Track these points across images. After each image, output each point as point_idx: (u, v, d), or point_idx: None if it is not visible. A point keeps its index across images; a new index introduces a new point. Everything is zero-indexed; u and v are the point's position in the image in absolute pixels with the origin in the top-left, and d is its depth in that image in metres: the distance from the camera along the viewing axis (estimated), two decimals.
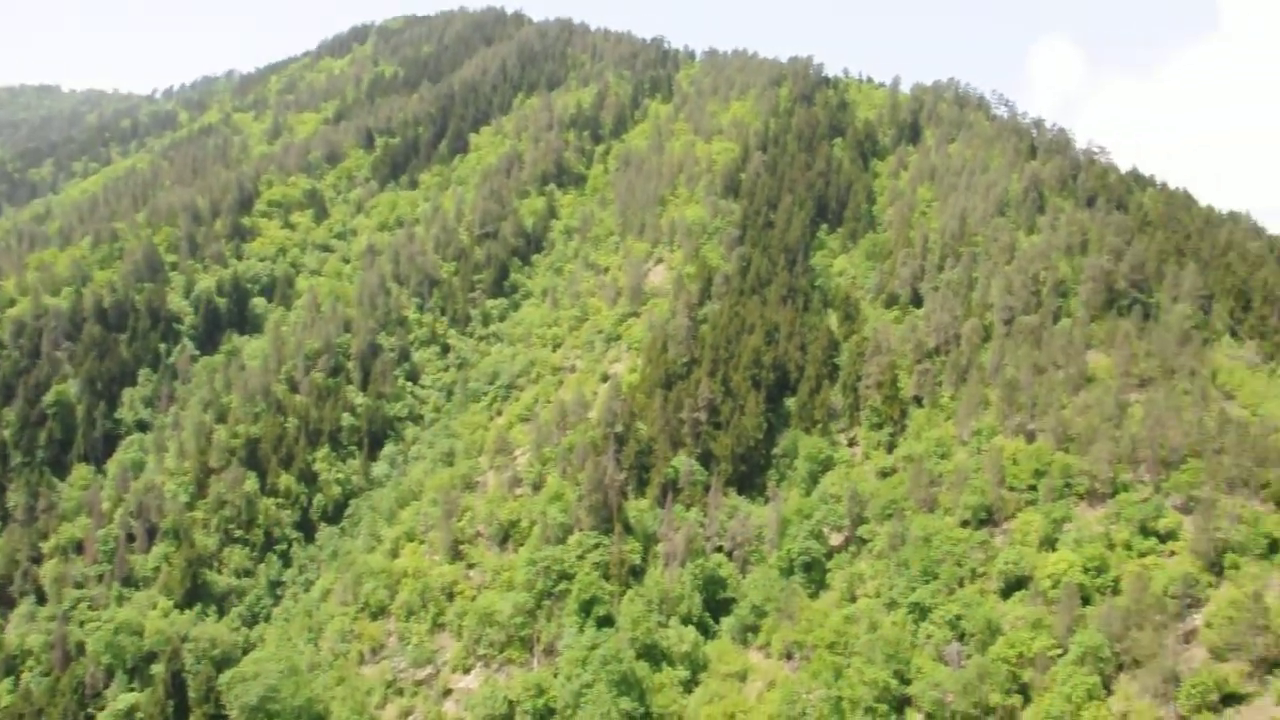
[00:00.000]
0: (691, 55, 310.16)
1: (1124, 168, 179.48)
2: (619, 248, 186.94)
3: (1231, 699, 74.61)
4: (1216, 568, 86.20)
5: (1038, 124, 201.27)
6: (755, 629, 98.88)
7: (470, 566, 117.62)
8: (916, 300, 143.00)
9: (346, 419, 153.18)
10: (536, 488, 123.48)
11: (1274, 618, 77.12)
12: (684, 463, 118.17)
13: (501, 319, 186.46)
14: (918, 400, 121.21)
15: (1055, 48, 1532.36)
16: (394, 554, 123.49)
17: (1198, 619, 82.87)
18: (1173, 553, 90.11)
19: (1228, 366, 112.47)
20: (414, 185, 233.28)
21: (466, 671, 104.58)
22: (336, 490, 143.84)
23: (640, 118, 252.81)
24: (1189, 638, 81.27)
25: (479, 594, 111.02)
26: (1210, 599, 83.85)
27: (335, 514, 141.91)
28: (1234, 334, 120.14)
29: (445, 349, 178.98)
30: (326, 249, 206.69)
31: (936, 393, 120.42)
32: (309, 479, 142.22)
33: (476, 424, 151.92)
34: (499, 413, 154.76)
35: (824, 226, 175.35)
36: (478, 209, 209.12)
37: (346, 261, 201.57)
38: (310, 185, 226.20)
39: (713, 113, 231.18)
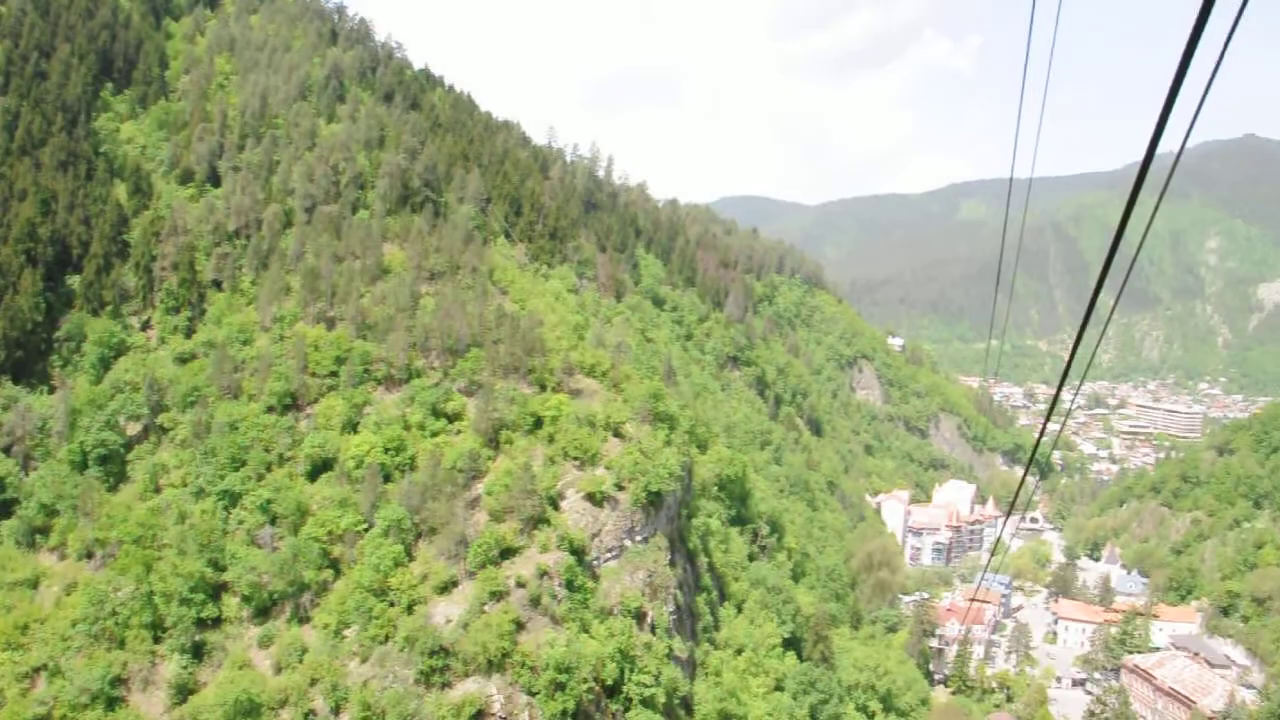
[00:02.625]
0: None
1: (418, 65, 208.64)
2: None
3: (508, 552, 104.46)
4: (494, 443, 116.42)
5: (340, 9, 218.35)
6: (45, 530, 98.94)
7: None
8: (214, 179, 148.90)
9: None
10: None
11: (538, 483, 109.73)
12: None
13: None
14: (217, 284, 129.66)
15: None
16: None
17: (480, 488, 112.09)
18: (459, 431, 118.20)
19: (502, 265, 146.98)
20: None
21: None
22: None
23: None
24: (474, 504, 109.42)
25: None
26: (489, 470, 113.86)
27: None
28: (507, 236, 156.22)
29: None
30: None
31: (237, 277, 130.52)
32: None
33: None
34: None
35: (109, 86, 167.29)
36: None
37: None
38: None
39: None
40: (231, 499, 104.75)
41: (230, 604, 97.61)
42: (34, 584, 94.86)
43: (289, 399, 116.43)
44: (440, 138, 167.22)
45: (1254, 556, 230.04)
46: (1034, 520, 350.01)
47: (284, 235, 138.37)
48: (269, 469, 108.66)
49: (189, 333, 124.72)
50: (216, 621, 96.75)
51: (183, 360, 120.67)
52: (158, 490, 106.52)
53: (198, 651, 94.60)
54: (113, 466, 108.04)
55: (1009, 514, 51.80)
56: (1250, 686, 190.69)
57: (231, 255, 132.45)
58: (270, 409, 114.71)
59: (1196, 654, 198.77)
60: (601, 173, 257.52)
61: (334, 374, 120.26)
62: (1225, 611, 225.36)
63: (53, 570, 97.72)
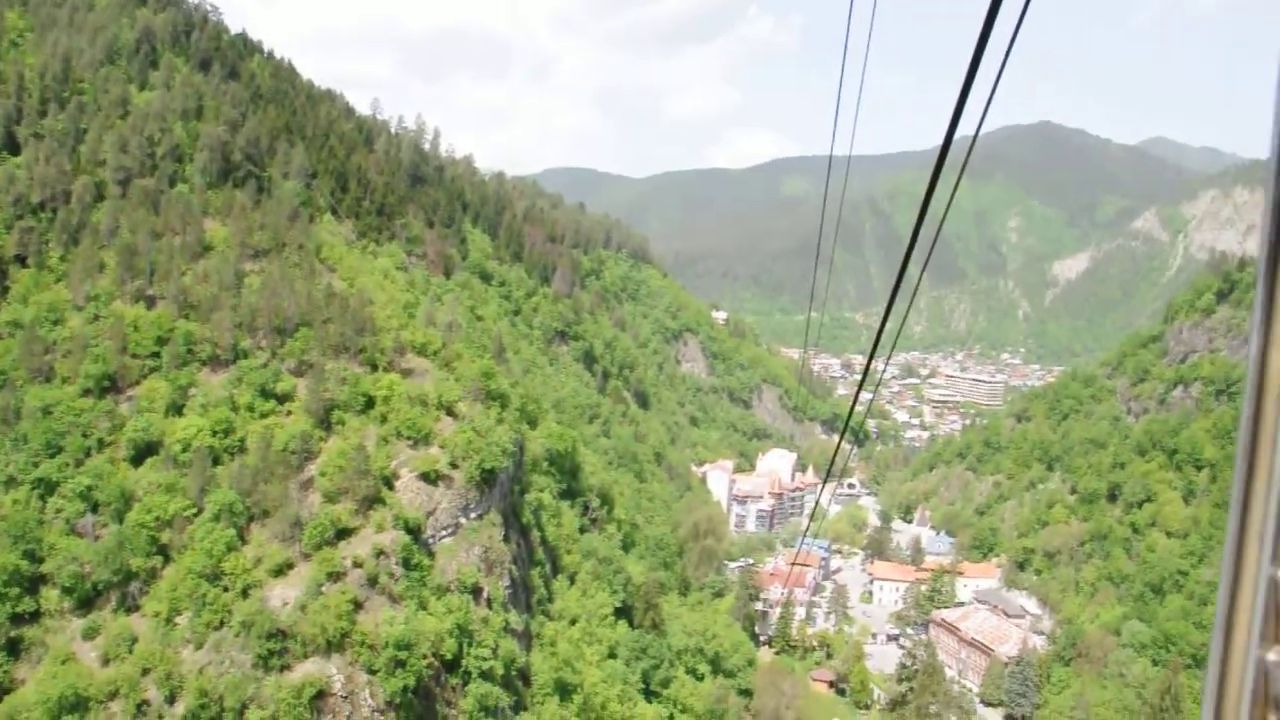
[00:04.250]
0: None
1: (235, 28, 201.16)
2: None
3: (344, 533, 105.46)
4: (326, 423, 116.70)
5: None
6: None
7: None
8: (13, 147, 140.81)
9: None
10: None
11: (372, 463, 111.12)
12: None
13: None
14: (20, 260, 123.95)
15: None
16: None
17: (313, 469, 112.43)
18: (290, 412, 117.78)
19: (330, 242, 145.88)
20: None
21: None
22: None
23: None
24: (307, 486, 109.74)
25: None
26: (322, 450, 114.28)
27: None
28: (334, 212, 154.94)
29: None
30: None
31: (44, 253, 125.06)
32: None
33: None
34: None
35: None
36: None
37: None
38: None
39: None
40: (48, 487, 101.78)
41: (50, 596, 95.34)
42: None
43: (107, 381, 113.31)
44: (262, 109, 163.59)
45: (1046, 515, 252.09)
46: (851, 486, 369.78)
47: (95, 209, 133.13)
48: (88, 454, 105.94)
49: None
50: (35, 615, 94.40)
51: None
52: None
53: (13, 648, 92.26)
54: None
55: (826, 481, 57.74)
56: (1041, 633, 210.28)
57: (37, 229, 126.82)
58: (87, 392, 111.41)
59: (996, 606, 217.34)
60: (428, 145, 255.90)
61: (156, 355, 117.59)
62: (1021, 566, 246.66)
63: None
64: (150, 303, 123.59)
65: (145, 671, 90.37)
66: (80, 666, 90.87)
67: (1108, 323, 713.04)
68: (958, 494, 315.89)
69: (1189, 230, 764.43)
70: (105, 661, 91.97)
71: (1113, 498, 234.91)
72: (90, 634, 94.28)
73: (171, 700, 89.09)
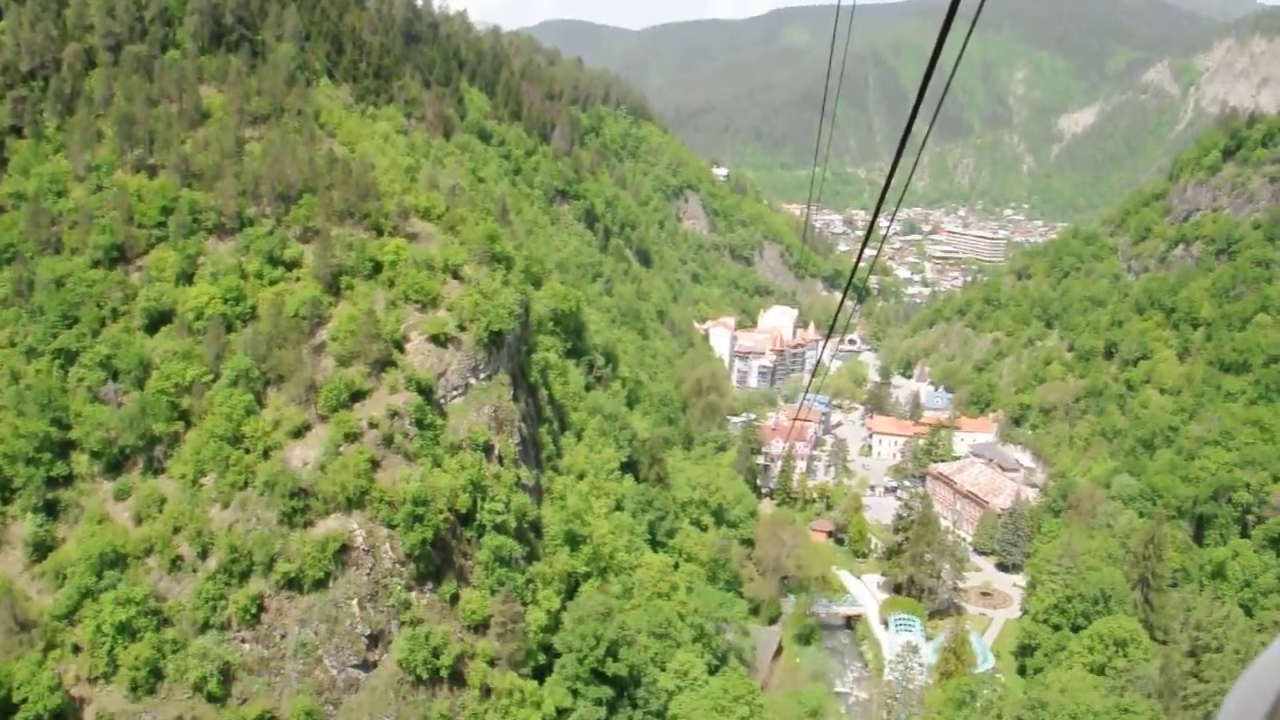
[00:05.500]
0: None
1: None
2: None
3: (358, 395, 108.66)
4: (335, 289, 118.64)
5: None
6: None
7: None
8: None
9: None
10: None
11: (382, 327, 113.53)
12: None
13: None
14: (16, 130, 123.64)
15: None
16: None
17: (324, 334, 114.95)
18: (298, 279, 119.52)
19: (328, 107, 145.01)
20: None
21: None
22: None
23: None
24: (320, 350, 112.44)
25: None
26: (332, 316, 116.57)
27: None
28: (331, 76, 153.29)
29: None
30: None
31: (40, 123, 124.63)
32: None
33: None
34: None
35: None
36: None
37: None
38: None
39: None
40: (68, 357, 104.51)
41: (80, 461, 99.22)
42: None
43: (116, 252, 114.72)
44: None
45: (1043, 372, 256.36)
46: (852, 342, 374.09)
47: (88, 77, 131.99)
48: (104, 324, 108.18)
49: None
50: (68, 479, 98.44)
51: None
52: None
53: (51, 509, 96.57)
54: None
55: (829, 337, 59.54)
56: (1034, 485, 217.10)
57: (30, 99, 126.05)
58: (96, 263, 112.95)
59: (991, 460, 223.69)
60: (420, 1, 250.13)
61: (161, 225, 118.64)
62: (1017, 421, 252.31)
63: None
64: (152, 172, 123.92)
65: (176, 530, 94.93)
66: (115, 526, 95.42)
67: (1113, 179, 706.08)
68: (957, 350, 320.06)
69: (1201, 83, 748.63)
70: (138, 521, 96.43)
71: (1109, 355, 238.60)
72: (121, 495, 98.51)
73: (204, 555, 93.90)
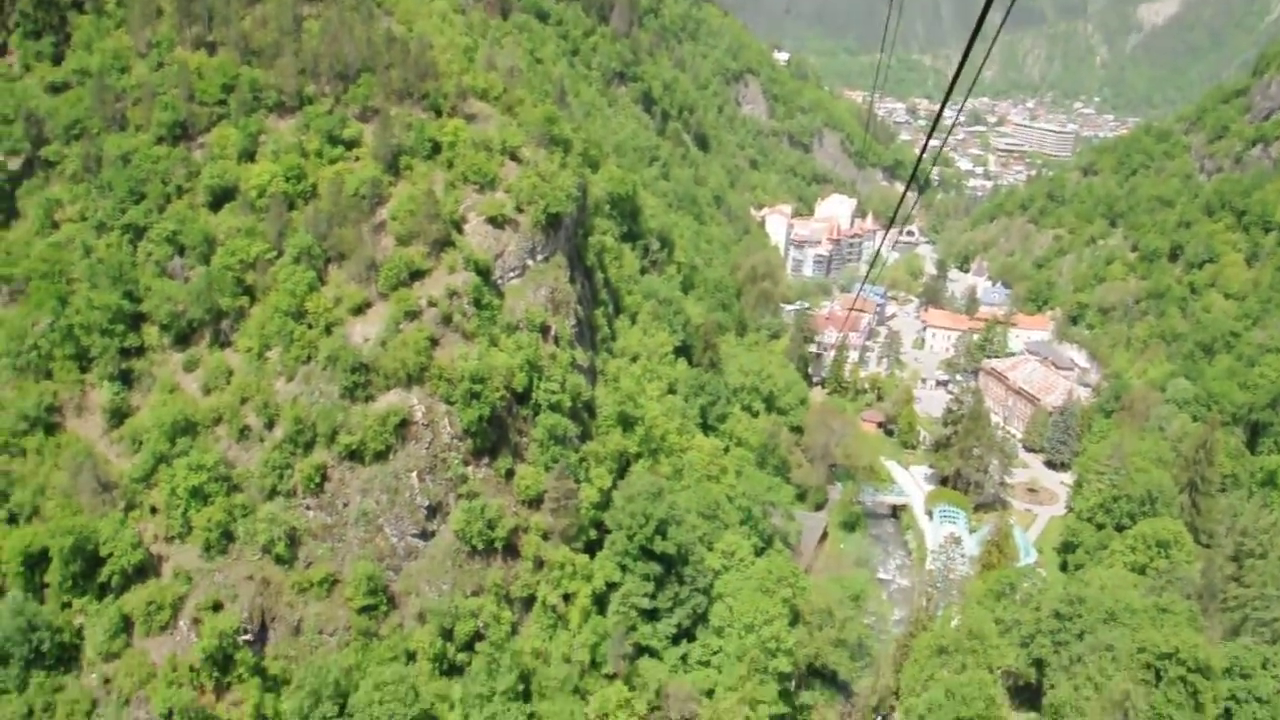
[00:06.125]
0: None
1: None
2: None
3: (417, 274, 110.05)
4: (394, 169, 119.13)
5: None
6: None
7: None
8: None
9: None
10: None
11: (441, 207, 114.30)
12: None
13: None
14: (77, 6, 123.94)
15: None
16: None
17: (384, 213, 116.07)
18: (358, 158, 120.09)
19: None
20: None
21: None
22: None
23: None
24: (379, 229, 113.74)
25: None
26: (392, 195, 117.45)
27: None
28: None
29: None
30: None
31: None
32: None
33: None
34: None
35: None
36: None
37: None
38: None
39: None
40: (136, 232, 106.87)
41: (151, 333, 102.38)
42: None
43: (178, 129, 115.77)
44: None
45: (1104, 271, 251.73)
46: (910, 234, 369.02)
47: None
48: (168, 200, 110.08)
49: (56, 59, 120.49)
50: (140, 350, 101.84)
51: (55, 89, 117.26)
52: (55, 226, 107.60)
53: (126, 379, 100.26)
54: (1, 203, 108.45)
55: (888, 228, 59.28)
56: (1087, 385, 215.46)
57: None
58: (160, 140, 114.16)
59: (1046, 358, 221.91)
60: None
61: (222, 102, 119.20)
62: (1074, 320, 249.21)
63: None
64: (211, 49, 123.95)
65: (243, 400, 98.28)
66: (185, 396, 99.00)
67: (1192, 73, 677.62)
68: (1017, 245, 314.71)
69: None
70: (206, 391, 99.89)
71: (1174, 257, 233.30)
72: (190, 367, 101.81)
73: (270, 426, 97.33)
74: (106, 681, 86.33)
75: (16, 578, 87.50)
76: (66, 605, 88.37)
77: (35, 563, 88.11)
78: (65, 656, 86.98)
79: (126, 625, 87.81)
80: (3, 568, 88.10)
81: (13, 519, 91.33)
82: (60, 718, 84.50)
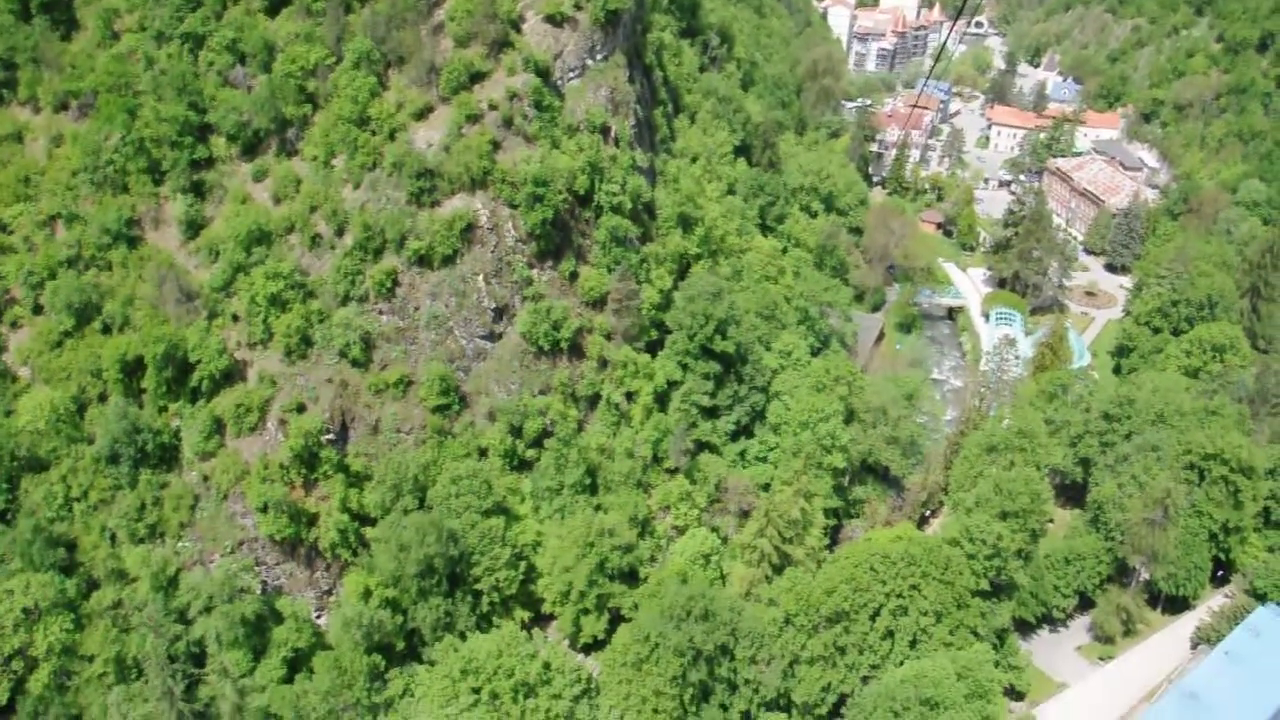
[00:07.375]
0: None
1: None
2: None
3: (477, 77, 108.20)
4: None
5: None
6: (11, 85, 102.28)
7: None
8: None
9: None
10: None
11: (499, 6, 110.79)
12: None
13: None
14: None
15: None
16: None
17: (441, 14, 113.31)
18: None
19: None
20: None
21: None
22: None
23: None
24: (438, 31, 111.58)
25: None
26: None
27: None
28: None
29: None
30: None
31: None
32: None
33: None
34: None
35: None
36: None
37: None
38: None
39: None
40: (196, 41, 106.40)
41: (218, 144, 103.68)
42: (18, 138, 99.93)
43: None
44: None
45: (1184, 64, 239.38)
46: (979, 25, 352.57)
47: None
48: (225, 7, 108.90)
49: None
50: (209, 162, 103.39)
51: None
52: (115, 36, 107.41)
53: (198, 190, 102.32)
54: (59, 14, 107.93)
55: (956, 19, 57.05)
56: (1154, 186, 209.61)
57: None
58: None
59: (1113, 158, 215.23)
60: None
61: None
62: (1147, 118, 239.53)
63: (34, 124, 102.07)
64: None
65: (313, 209, 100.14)
66: (257, 206, 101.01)
67: None
68: (1092, 37, 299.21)
69: None
70: (276, 201, 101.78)
71: (1263, 47, 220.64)
72: (259, 176, 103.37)
73: (340, 233, 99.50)
74: (205, 479, 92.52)
75: (116, 384, 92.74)
76: (163, 409, 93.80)
77: (131, 370, 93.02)
78: (166, 456, 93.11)
79: (219, 427, 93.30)
80: (104, 375, 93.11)
81: (106, 329, 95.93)
82: (168, 511, 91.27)
